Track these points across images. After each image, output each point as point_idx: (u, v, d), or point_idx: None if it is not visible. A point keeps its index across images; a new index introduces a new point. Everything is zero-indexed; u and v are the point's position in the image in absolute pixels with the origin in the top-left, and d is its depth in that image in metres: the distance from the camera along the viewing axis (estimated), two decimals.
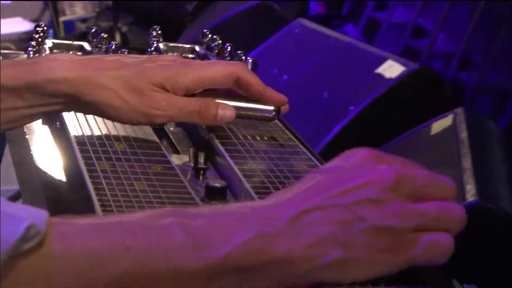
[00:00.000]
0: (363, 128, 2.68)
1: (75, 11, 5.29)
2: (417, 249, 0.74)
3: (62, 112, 1.04)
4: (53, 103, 0.99)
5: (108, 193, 0.89)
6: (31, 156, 1.07)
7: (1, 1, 5.89)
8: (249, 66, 1.24)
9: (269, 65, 3.05)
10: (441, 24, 4.25)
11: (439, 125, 2.47)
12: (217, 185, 0.96)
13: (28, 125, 1.11)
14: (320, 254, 0.71)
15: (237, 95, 1.05)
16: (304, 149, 1.07)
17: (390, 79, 2.72)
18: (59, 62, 0.99)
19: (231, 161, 1.01)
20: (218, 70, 1.02)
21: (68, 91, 0.97)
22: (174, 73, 1.00)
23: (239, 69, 1.03)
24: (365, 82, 2.77)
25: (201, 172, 1.03)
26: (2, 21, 5.03)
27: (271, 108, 1.06)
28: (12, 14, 5.00)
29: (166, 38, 1.34)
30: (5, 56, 1.37)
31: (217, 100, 1.03)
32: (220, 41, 1.30)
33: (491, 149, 2.45)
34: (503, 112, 3.51)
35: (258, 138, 1.08)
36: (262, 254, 0.71)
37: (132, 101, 0.98)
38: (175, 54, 1.33)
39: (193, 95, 1.02)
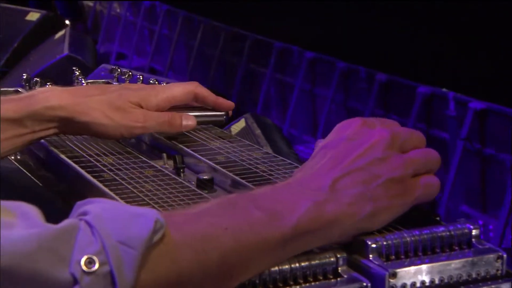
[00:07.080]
0: None
1: None
2: (419, 191, 0.66)
3: (57, 135, 0.89)
4: (50, 127, 0.86)
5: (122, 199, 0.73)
6: None
7: None
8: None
9: None
10: None
11: (235, 127, 2.32)
12: (206, 177, 0.81)
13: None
14: (358, 210, 0.64)
15: (193, 106, 0.95)
16: (246, 142, 0.91)
17: None
18: (52, 92, 0.86)
19: (203, 158, 0.85)
20: (179, 89, 0.92)
21: (63, 115, 0.85)
22: (146, 94, 0.89)
23: (195, 86, 0.93)
24: None
25: (181, 170, 0.87)
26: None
27: (222, 113, 0.97)
28: None
29: None
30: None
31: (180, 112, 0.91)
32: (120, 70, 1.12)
33: (276, 138, 2.36)
34: None
35: (211, 139, 0.92)
36: (319, 219, 0.62)
37: (117, 118, 0.86)
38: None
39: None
